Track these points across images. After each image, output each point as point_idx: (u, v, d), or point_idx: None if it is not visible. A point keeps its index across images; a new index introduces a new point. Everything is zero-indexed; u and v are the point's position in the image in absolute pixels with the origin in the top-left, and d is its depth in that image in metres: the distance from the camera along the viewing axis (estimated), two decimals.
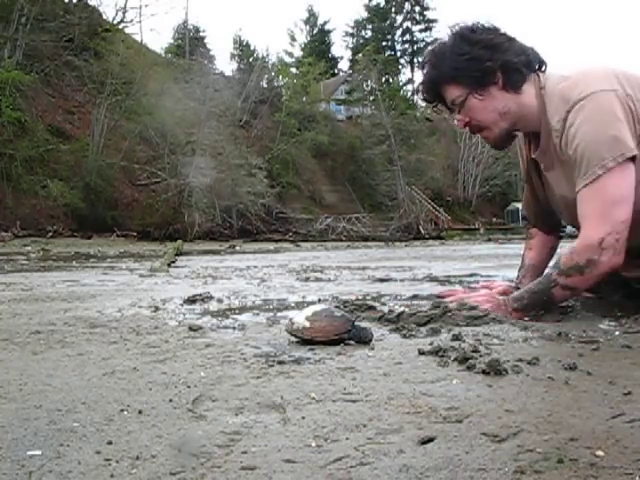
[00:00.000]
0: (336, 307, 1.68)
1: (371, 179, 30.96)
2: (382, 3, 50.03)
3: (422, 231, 26.13)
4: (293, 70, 37.61)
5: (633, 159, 1.56)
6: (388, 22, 50.04)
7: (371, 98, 34.04)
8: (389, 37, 50.38)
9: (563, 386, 1.02)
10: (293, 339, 1.47)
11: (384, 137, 30.52)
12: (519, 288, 2.03)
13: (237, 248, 13.47)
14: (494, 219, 36.94)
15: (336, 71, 49.34)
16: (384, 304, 2.17)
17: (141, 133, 21.17)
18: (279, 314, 2.02)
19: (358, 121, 34.87)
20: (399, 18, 50.14)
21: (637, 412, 0.85)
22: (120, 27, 25.36)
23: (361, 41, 49.89)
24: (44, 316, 2.00)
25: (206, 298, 2.39)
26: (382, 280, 3.52)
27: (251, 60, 37.39)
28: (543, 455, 0.71)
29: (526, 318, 1.70)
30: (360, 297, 2.46)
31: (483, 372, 1.11)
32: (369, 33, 51.12)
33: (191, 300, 2.35)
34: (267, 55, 43.17)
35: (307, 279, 3.71)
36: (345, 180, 30.65)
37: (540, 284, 1.71)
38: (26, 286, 3.32)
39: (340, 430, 0.82)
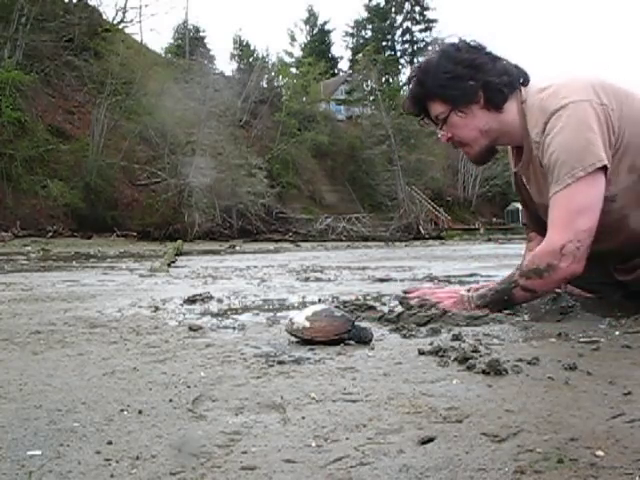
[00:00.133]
0: (336, 307, 1.68)
1: (371, 179, 30.96)
2: (382, 3, 50.04)
3: (422, 231, 26.13)
4: (293, 70, 37.61)
5: (604, 169, 1.59)
6: (388, 22, 50.03)
7: (371, 98, 34.04)
8: (389, 37, 50.38)
9: (563, 386, 1.02)
10: (293, 339, 1.47)
11: (384, 137, 30.52)
12: None
13: (237, 248, 13.47)
14: (494, 219, 36.94)
15: (336, 71, 49.34)
16: (384, 304, 2.17)
17: (141, 133, 21.17)
18: (279, 314, 2.02)
19: (358, 121, 34.86)
20: (399, 18, 50.15)
21: (637, 412, 0.85)
22: (120, 27, 25.36)
23: (361, 41, 49.89)
24: (44, 316, 2.00)
25: (206, 298, 2.39)
26: (382, 280, 3.52)
27: (251, 60, 37.39)
28: (543, 455, 0.71)
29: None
30: (360, 297, 2.46)
31: (483, 372, 1.11)
32: (369, 33, 51.12)
33: (191, 300, 2.35)
34: (267, 55, 43.16)
35: (307, 279, 3.71)
36: (345, 180, 30.65)
37: (503, 284, 1.75)
38: (26, 286, 3.32)
39: (340, 430, 0.82)
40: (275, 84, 33.14)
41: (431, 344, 1.36)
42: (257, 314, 2.04)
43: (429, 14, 49.36)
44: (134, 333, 1.65)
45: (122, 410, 0.93)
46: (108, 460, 0.73)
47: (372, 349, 1.37)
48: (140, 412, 0.91)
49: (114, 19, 25.29)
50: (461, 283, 3.08)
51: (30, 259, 7.70)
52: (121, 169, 20.21)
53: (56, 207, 17.25)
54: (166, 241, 15.16)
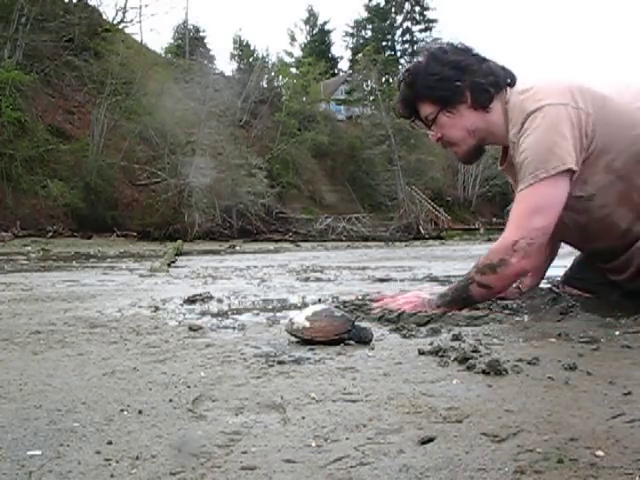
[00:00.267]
0: (336, 307, 1.68)
1: (371, 179, 30.94)
2: (382, 3, 49.99)
3: (422, 231, 26.11)
4: (293, 70, 37.57)
5: (569, 172, 1.63)
6: (388, 22, 49.98)
7: (371, 98, 34.00)
8: (389, 37, 50.33)
9: (563, 386, 1.02)
10: (293, 339, 1.47)
11: (384, 137, 30.49)
12: (519, 288, 2.04)
13: (237, 248, 13.46)
14: (494, 219, 36.87)
15: (336, 71, 49.29)
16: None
17: (141, 133, 21.15)
18: (279, 314, 2.02)
19: (358, 121, 34.83)
20: (399, 18, 50.10)
21: (637, 412, 0.85)
22: (120, 27, 25.33)
23: (361, 41, 49.83)
24: (44, 316, 2.00)
25: (206, 298, 2.39)
26: (382, 280, 3.52)
27: (251, 60, 37.34)
28: (543, 455, 0.71)
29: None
30: (360, 297, 2.46)
31: (483, 372, 1.11)
32: (369, 33, 51.07)
33: (191, 300, 2.35)
34: (267, 55, 43.11)
35: (307, 279, 3.71)
36: (345, 180, 30.63)
37: (461, 281, 1.78)
38: (26, 286, 3.32)
39: (340, 430, 0.82)
40: (275, 84, 33.11)
41: (431, 344, 1.36)
42: (257, 314, 2.04)
43: (429, 14, 49.32)
44: (134, 333, 1.65)
45: (122, 410, 0.93)
46: (108, 460, 0.73)
47: (372, 349, 1.37)
48: (140, 412, 0.91)
49: (114, 19, 25.29)
50: None
51: (30, 259, 7.70)
52: (121, 169, 20.20)
53: (56, 207, 17.24)
54: (166, 241, 15.15)
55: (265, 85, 32.21)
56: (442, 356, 1.25)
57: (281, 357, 1.29)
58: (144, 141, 21.59)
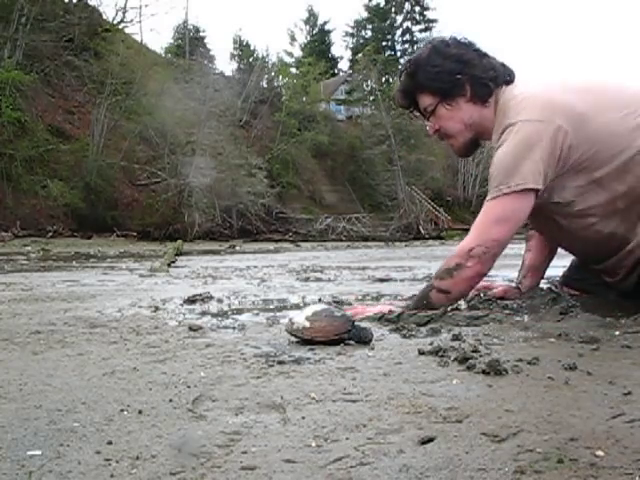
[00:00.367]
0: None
1: (371, 179, 30.92)
2: (382, 3, 49.94)
3: (422, 231, 26.11)
4: (293, 70, 37.56)
5: (534, 191, 1.66)
6: (388, 22, 49.95)
7: (371, 98, 33.99)
8: (389, 37, 50.29)
9: (563, 386, 1.02)
10: (293, 339, 1.47)
11: (384, 137, 30.48)
12: (519, 288, 2.05)
13: (237, 248, 13.46)
14: None
15: (336, 71, 49.27)
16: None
17: (141, 133, 21.14)
18: (279, 314, 2.02)
19: (358, 121, 34.82)
20: (399, 18, 50.05)
21: (637, 412, 0.85)
22: (120, 27, 25.32)
23: (361, 41, 49.80)
24: (44, 316, 2.00)
25: (206, 298, 2.39)
26: (382, 280, 3.52)
27: (251, 60, 37.32)
28: (543, 455, 0.71)
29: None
30: (360, 297, 2.46)
31: (483, 372, 1.11)
32: (369, 33, 51.03)
33: (191, 300, 2.35)
34: (267, 55, 43.09)
35: (307, 279, 3.71)
36: (345, 180, 30.62)
37: (422, 289, 1.83)
38: (26, 286, 3.32)
39: (340, 430, 0.82)
40: (275, 84, 33.11)
41: (431, 344, 1.36)
42: (257, 314, 2.04)
43: (429, 14, 49.26)
44: (134, 333, 1.65)
45: (122, 410, 0.93)
46: (108, 460, 0.73)
47: (372, 349, 1.37)
48: (140, 412, 0.91)
49: (114, 19, 25.27)
50: None
51: (30, 259, 7.70)
52: (121, 169, 20.19)
53: (56, 207, 17.24)
54: (166, 241, 15.15)
55: (265, 85, 32.20)
56: (442, 356, 1.25)
57: (281, 357, 1.29)
58: (144, 141, 21.58)
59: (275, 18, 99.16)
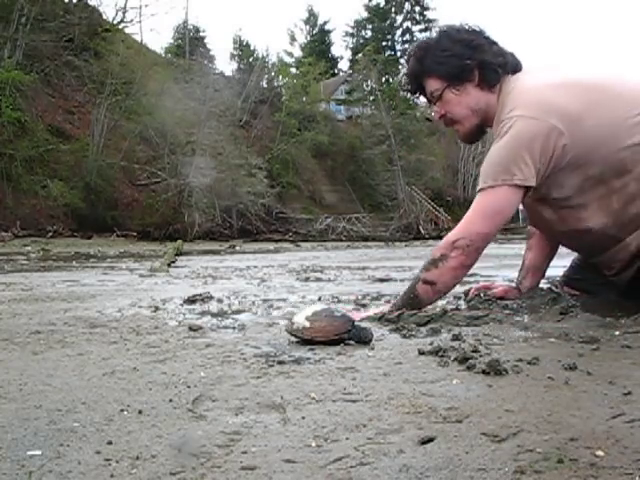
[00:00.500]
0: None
1: (371, 179, 30.92)
2: (382, 3, 49.91)
3: (422, 231, 26.11)
4: (293, 70, 37.57)
5: (522, 188, 1.68)
6: (388, 22, 49.92)
7: (371, 98, 33.98)
8: (389, 37, 50.27)
9: (563, 386, 1.02)
10: (293, 339, 1.47)
11: (384, 137, 30.48)
12: (519, 288, 2.04)
13: (237, 248, 13.46)
14: None
15: (336, 71, 49.25)
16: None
17: (141, 133, 21.15)
18: (279, 314, 2.01)
19: (358, 121, 34.81)
20: (399, 18, 50.02)
21: (637, 412, 0.85)
22: (120, 27, 25.32)
23: (361, 41, 49.77)
24: (44, 316, 2.00)
25: (206, 298, 2.39)
26: (382, 280, 3.52)
27: (251, 60, 37.32)
28: (543, 455, 0.71)
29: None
30: (360, 297, 2.46)
31: (483, 372, 1.11)
32: (369, 33, 51.01)
33: (191, 300, 2.35)
34: (267, 55, 43.10)
35: (307, 279, 3.71)
36: (345, 180, 30.62)
37: (410, 284, 1.84)
38: (26, 286, 3.32)
39: (340, 430, 0.82)
40: (275, 84, 33.11)
41: (431, 344, 1.36)
42: (257, 314, 2.04)
43: (429, 14, 49.22)
44: (134, 333, 1.65)
45: (122, 410, 0.93)
46: (108, 460, 0.73)
47: (372, 349, 1.37)
48: (140, 412, 0.91)
49: (114, 19, 25.26)
50: (461, 283, 3.08)
51: (30, 259, 7.70)
52: (121, 169, 20.20)
53: (56, 207, 17.24)
54: (166, 241, 15.15)
55: (265, 85, 32.20)
56: (442, 356, 1.25)
57: (281, 357, 1.29)
58: (144, 141, 21.59)
59: (275, 18, 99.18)
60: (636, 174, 1.65)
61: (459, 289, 2.20)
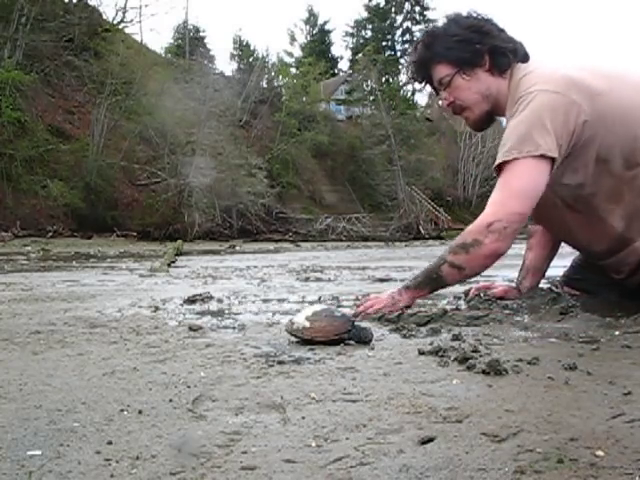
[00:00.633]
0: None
1: (371, 179, 30.93)
2: (382, 3, 49.92)
3: (422, 231, 26.12)
4: (293, 70, 37.59)
5: (548, 159, 1.61)
6: (388, 22, 49.93)
7: (371, 98, 33.99)
8: (389, 37, 50.27)
9: (563, 386, 1.02)
10: (293, 339, 1.47)
11: (384, 137, 30.49)
12: (519, 288, 2.04)
13: (237, 248, 13.46)
14: None
15: (336, 71, 49.24)
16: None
17: (141, 133, 21.15)
18: (279, 314, 2.01)
19: (358, 121, 34.82)
20: (399, 18, 50.04)
21: (637, 412, 0.85)
22: (120, 27, 25.32)
23: (361, 41, 49.78)
24: (44, 316, 2.00)
25: (206, 298, 2.39)
26: (382, 280, 3.52)
27: (251, 60, 37.33)
28: (543, 455, 0.71)
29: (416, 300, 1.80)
30: (360, 297, 2.46)
31: (483, 372, 1.11)
32: (369, 33, 51.01)
33: (191, 300, 2.35)
34: (267, 55, 43.17)
35: (307, 279, 3.71)
36: (345, 180, 30.62)
37: (433, 262, 1.77)
38: (26, 286, 3.32)
39: (340, 430, 0.82)
40: (275, 84, 33.12)
41: (431, 344, 1.36)
42: (257, 314, 2.04)
43: (429, 14, 49.23)
44: (134, 333, 1.65)
45: (122, 410, 0.93)
46: (108, 460, 0.73)
47: (372, 349, 1.37)
48: (140, 412, 0.91)
49: (114, 19, 25.27)
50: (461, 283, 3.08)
51: (30, 259, 7.70)
52: (121, 169, 20.20)
53: (56, 207, 17.24)
54: (166, 241, 15.15)
55: (265, 85, 32.21)
56: (442, 356, 1.25)
57: (281, 357, 1.29)
58: (144, 141, 21.59)
59: (275, 18, 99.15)
60: None
61: (459, 289, 2.20)
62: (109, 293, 2.87)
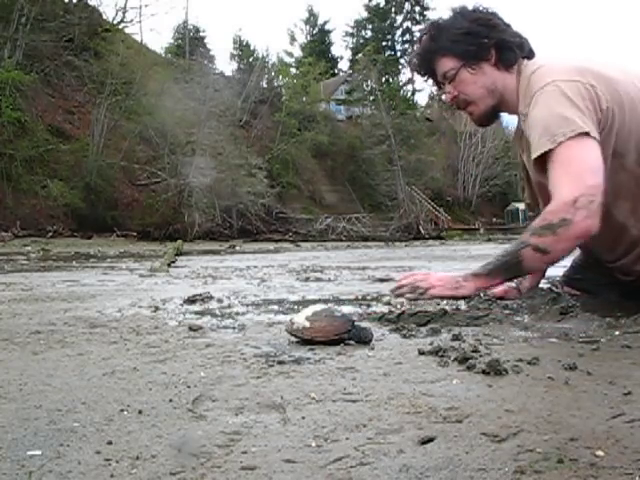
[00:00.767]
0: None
1: (371, 179, 30.96)
2: (382, 3, 49.96)
3: (422, 231, 26.14)
4: (293, 70, 37.63)
5: (591, 137, 1.54)
6: (388, 22, 49.96)
7: (371, 98, 34.03)
8: (389, 37, 50.31)
9: (563, 386, 1.01)
10: (293, 339, 1.47)
11: (384, 137, 30.52)
12: (519, 288, 2.04)
13: (237, 248, 13.47)
14: (494, 219, 36.91)
15: (336, 71, 49.27)
16: (389, 303, 2.17)
17: (141, 133, 21.17)
18: (279, 314, 2.01)
19: (358, 121, 34.86)
20: (399, 18, 50.09)
21: (637, 412, 0.85)
22: (120, 27, 25.35)
23: (361, 41, 49.82)
24: (44, 316, 2.00)
25: (206, 298, 2.39)
26: (382, 280, 3.52)
27: (251, 60, 37.35)
28: (543, 455, 0.71)
29: (488, 292, 1.75)
30: (360, 297, 2.46)
31: (483, 372, 1.11)
32: (369, 33, 51.04)
33: (191, 300, 2.35)
34: (267, 55, 43.17)
35: (307, 279, 3.71)
36: (345, 180, 30.65)
37: (510, 247, 1.69)
38: (26, 286, 3.32)
39: (340, 430, 0.82)
40: (275, 84, 33.15)
41: (431, 344, 1.36)
42: (257, 314, 2.04)
43: (429, 14, 49.29)
44: (134, 333, 1.65)
45: (122, 410, 0.93)
46: (108, 460, 0.73)
47: (372, 349, 1.37)
48: (140, 412, 0.91)
49: (114, 19, 25.30)
50: None
51: (30, 259, 7.70)
52: (121, 169, 20.22)
53: (56, 207, 17.25)
54: (166, 241, 15.16)
55: (265, 85, 32.25)
56: (442, 356, 1.25)
57: (281, 357, 1.29)
58: (144, 141, 21.61)
59: (275, 18, 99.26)
60: None
61: None
62: (109, 293, 2.87)
